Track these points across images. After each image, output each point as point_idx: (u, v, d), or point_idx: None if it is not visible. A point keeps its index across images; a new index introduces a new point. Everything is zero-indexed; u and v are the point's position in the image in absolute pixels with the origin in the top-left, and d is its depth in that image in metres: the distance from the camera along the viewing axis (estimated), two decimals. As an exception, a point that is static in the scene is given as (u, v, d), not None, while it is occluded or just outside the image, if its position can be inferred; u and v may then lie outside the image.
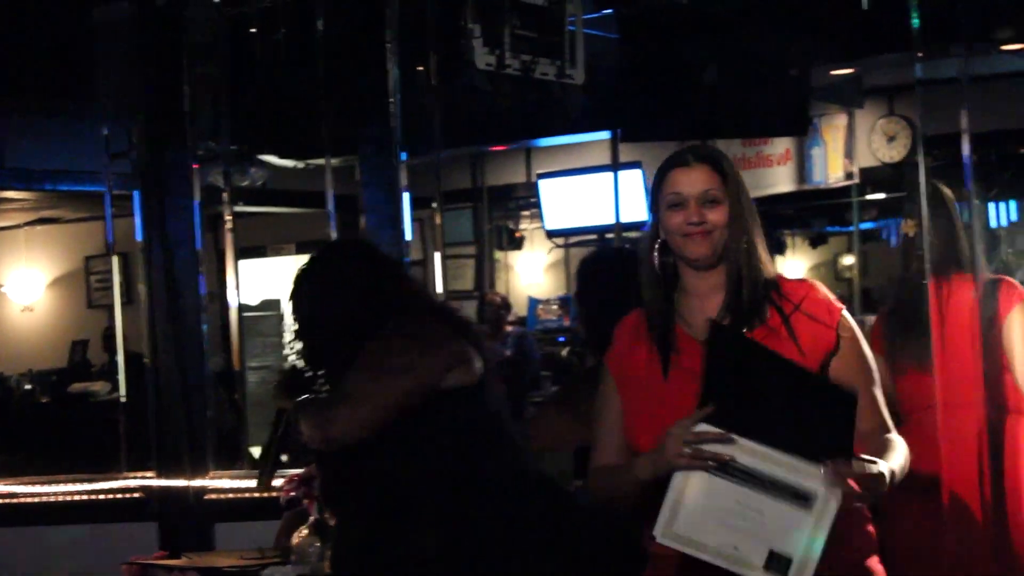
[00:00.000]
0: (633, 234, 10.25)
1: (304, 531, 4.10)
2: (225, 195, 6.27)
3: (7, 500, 6.33)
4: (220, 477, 6.07)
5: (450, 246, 10.31)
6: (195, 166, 6.16)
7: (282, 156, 7.26)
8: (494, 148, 11.62)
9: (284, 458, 3.77)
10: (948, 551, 4.34)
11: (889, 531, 4.33)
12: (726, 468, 2.62)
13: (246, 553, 4.46)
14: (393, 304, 3.58)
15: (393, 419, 3.42)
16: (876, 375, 2.88)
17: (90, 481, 6.29)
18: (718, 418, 2.63)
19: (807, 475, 2.60)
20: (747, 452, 2.62)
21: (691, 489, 2.63)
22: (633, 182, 9.86)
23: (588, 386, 3.19)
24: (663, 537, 2.63)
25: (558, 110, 6.06)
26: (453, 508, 3.47)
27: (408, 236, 5.86)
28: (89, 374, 12.23)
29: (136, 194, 6.30)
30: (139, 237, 6.28)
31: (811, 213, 12.66)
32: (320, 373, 3.64)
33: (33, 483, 6.34)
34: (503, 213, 13.61)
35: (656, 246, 2.90)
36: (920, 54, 4.88)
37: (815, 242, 13.49)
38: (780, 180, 10.58)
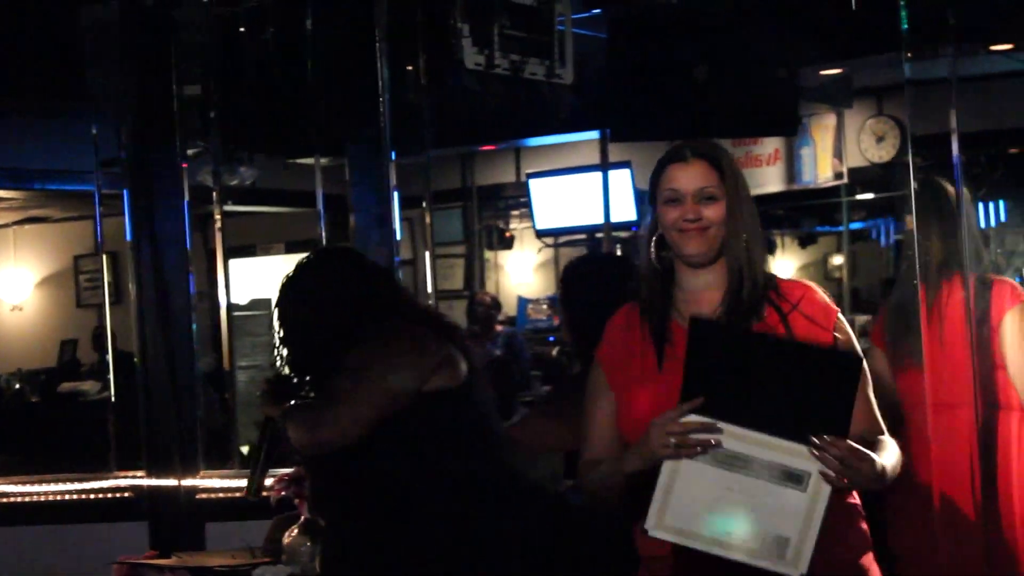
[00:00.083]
0: (623, 234, 10.29)
1: (295, 530, 4.10)
2: (215, 194, 6.26)
3: (-3, 500, 6.32)
4: (210, 476, 6.06)
5: (440, 246, 10.33)
6: (184, 165, 6.16)
7: (271, 155, 7.26)
8: (484, 148, 11.64)
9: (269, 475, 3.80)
10: (940, 551, 4.34)
11: (893, 531, 4.37)
12: (714, 456, 2.60)
13: (237, 553, 4.46)
14: (378, 310, 3.59)
15: (380, 422, 3.44)
16: (870, 378, 2.88)
17: (80, 481, 6.27)
18: (704, 408, 2.62)
19: (798, 456, 2.58)
20: (734, 438, 2.61)
21: (680, 479, 2.61)
22: (622, 182, 9.87)
23: (575, 392, 3.18)
24: (655, 529, 2.61)
25: (547, 110, 6.07)
26: (442, 509, 3.47)
27: (398, 236, 5.85)
28: (79, 373, 12.22)
29: (125, 193, 6.29)
30: (128, 236, 6.27)
31: (800, 213, 12.69)
32: (306, 379, 3.66)
33: (23, 482, 6.32)
34: (493, 213, 13.62)
35: (654, 240, 2.90)
36: (909, 54, 4.89)
37: (804, 242, 13.51)
38: (769, 180, 10.61)
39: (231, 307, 6.35)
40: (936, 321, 4.46)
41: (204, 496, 6.03)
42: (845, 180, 10.76)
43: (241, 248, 11.51)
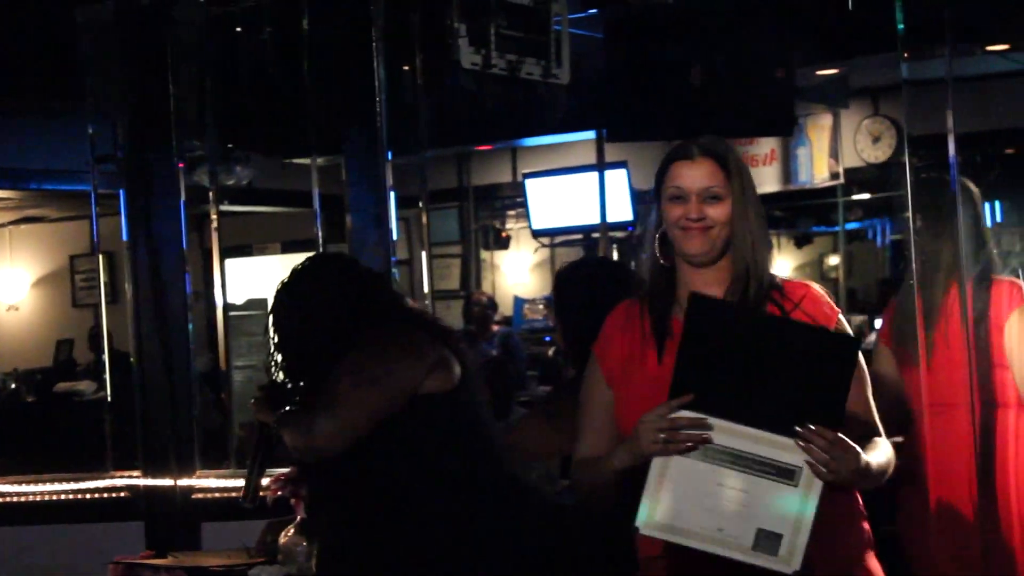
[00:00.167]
0: (619, 234, 10.30)
1: (291, 531, 4.09)
2: (211, 194, 6.26)
3: (-7, 499, 6.32)
4: (207, 476, 6.06)
5: (436, 246, 10.33)
6: (181, 165, 6.16)
7: (267, 155, 7.26)
8: (480, 148, 11.65)
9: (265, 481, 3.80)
10: (938, 550, 4.34)
11: (903, 529, 4.37)
12: (704, 452, 2.58)
13: (233, 552, 4.46)
14: (373, 315, 3.59)
15: (375, 425, 3.44)
16: (868, 380, 2.88)
17: (76, 480, 6.26)
18: (694, 403, 2.60)
19: (789, 450, 2.56)
20: (725, 433, 2.58)
21: (670, 476, 2.59)
22: (619, 182, 9.88)
23: (570, 397, 3.18)
24: (645, 527, 2.59)
25: (544, 110, 6.07)
26: (438, 510, 3.48)
27: (394, 235, 5.85)
28: (75, 373, 12.19)
29: (122, 193, 6.28)
30: (125, 236, 6.26)
31: (796, 213, 12.71)
32: (301, 385, 3.66)
33: (18, 482, 6.31)
34: (489, 213, 13.63)
35: (658, 236, 2.88)
36: (905, 55, 4.88)
37: (800, 242, 13.53)
38: (766, 180, 10.62)
39: (227, 307, 6.35)
40: (943, 320, 4.44)
41: (200, 496, 6.03)
42: (841, 180, 10.78)
43: (237, 248, 11.51)
